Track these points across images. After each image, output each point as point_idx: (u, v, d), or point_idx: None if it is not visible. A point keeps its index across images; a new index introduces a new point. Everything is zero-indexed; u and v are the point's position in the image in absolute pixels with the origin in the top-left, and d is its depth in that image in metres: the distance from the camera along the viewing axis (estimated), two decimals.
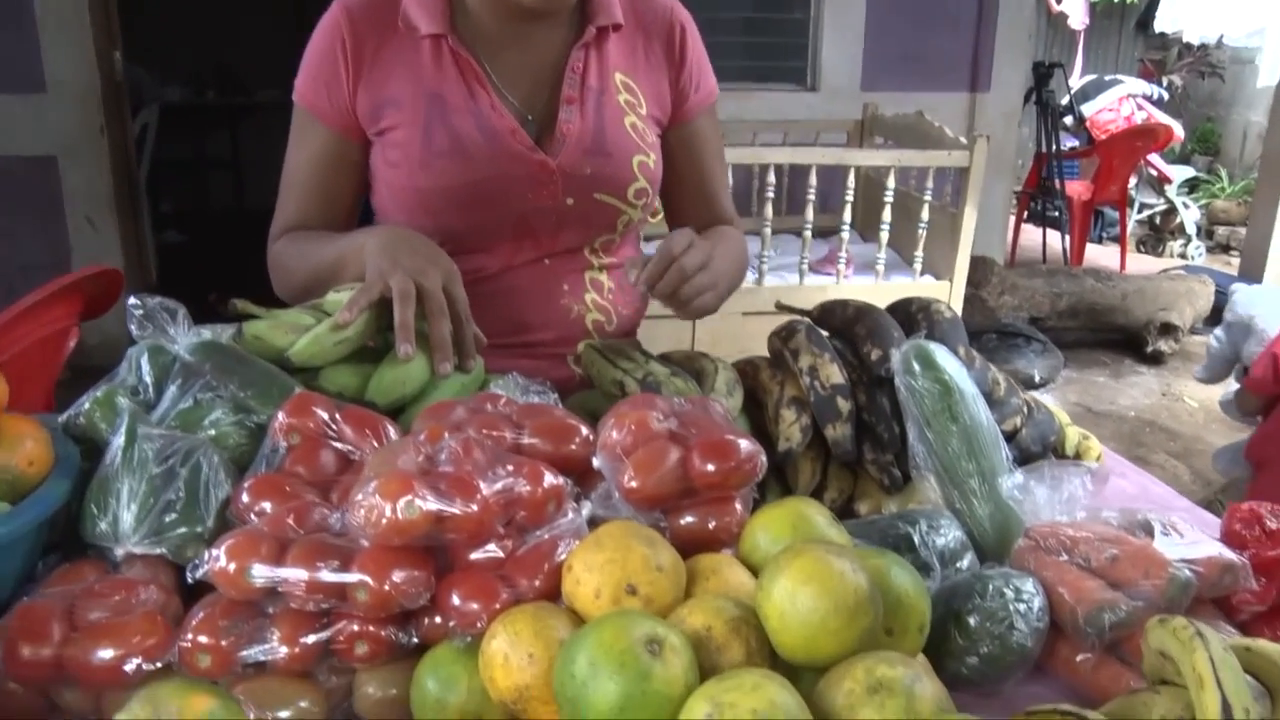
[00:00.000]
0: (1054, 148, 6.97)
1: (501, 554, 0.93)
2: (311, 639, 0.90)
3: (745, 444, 1.00)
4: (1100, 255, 7.54)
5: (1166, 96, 8.80)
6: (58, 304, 1.97)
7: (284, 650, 0.89)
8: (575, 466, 1.06)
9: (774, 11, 5.46)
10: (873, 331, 1.34)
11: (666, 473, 0.98)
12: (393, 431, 1.10)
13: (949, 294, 3.99)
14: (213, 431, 1.11)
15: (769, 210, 3.86)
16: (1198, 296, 5.70)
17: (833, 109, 5.20)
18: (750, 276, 4.02)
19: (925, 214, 3.93)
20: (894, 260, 4.17)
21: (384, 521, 0.87)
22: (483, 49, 1.44)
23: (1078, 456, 1.48)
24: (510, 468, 0.95)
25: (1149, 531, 1.07)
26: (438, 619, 0.91)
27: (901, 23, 5.36)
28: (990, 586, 1.01)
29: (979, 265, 5.15)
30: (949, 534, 1.12)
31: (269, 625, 0.90)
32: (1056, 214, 7.01)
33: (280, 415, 1.08)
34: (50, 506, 1.02)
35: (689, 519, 1.00)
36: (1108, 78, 8.40)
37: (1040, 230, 7.21)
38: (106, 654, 0.89)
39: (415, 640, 0.93)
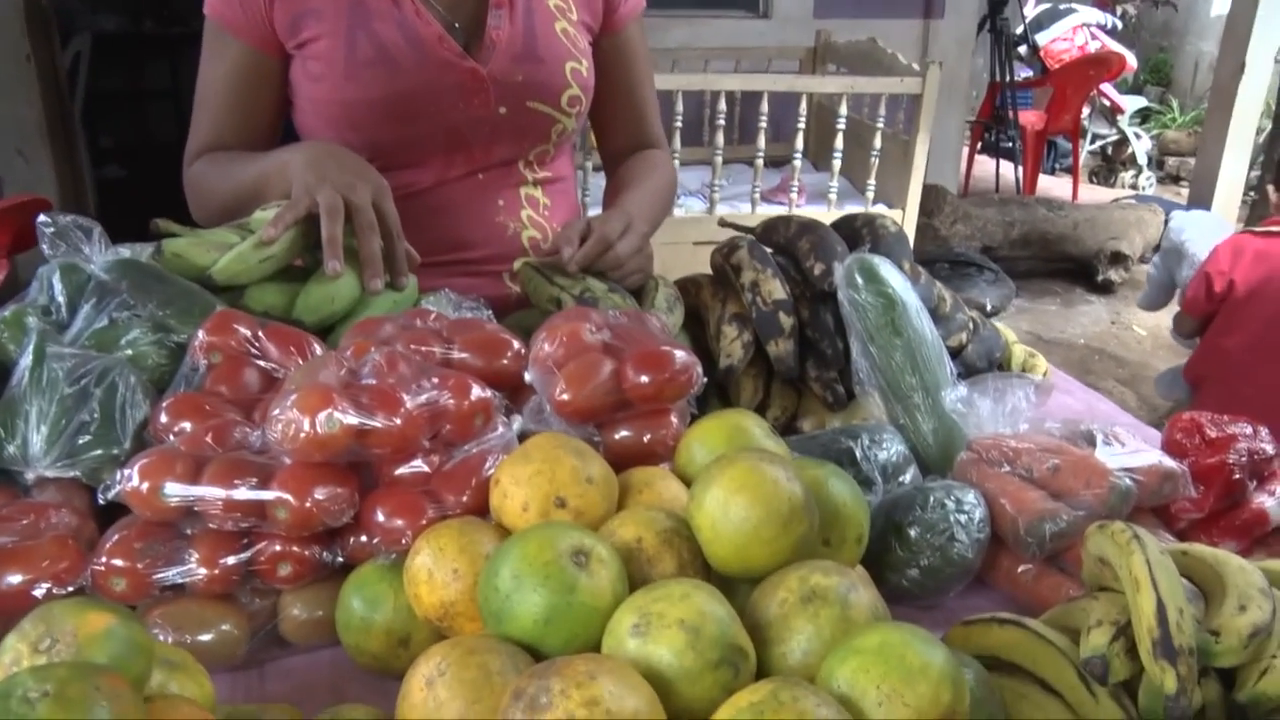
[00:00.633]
0: (1008, 77, 6.93)
1: (427, 469, 0.90)
2: (231, 560, 0.87)
3: (680, 355, 0.97)
4: (1053, 186, 7.55)
5: (1120, 26, 8.77)
6: None
7: (203, 572, 0.86)
8: (507, 381, 1.03)
9: None
10: (816, 246, 1.31)
11: (599, 385, 0.95)
12: (319, 349, 1.06)
13: (901, 222, 3.98)
14: (130, 351, 1.06)
15: (720, 139, 3.80)
16: (1148, 226, 5.73)
17: (785, 36, 5.12)
18: (701, 205, 3.98)
19: (878, 142, 3.89)
20: (846, 189, 4.14)
21: (302, 436, 0.84)
22: None
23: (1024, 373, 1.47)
24: (435, 380, 0.91)
25: (1091, 442, 1.06)
26: (363, 537, 0.88)
27: None
28: (931, 498, 0.99)
29: (932, 194, 5.13)
30: (891, 448, 1.10)
31: (187, 547, 0.87)
32: (1010, 144, 6.99)
33: (200, 333, 1.03)
34: None
35: (623, 433, 0.97)
36: (1062, 6, 8.34)
37: (994, 161, 7.20)
38: (14, 579, 0.85)
39: (341, 560, 0.90)
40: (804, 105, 3.86)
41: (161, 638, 0.84)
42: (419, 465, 0.90)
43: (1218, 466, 1.04)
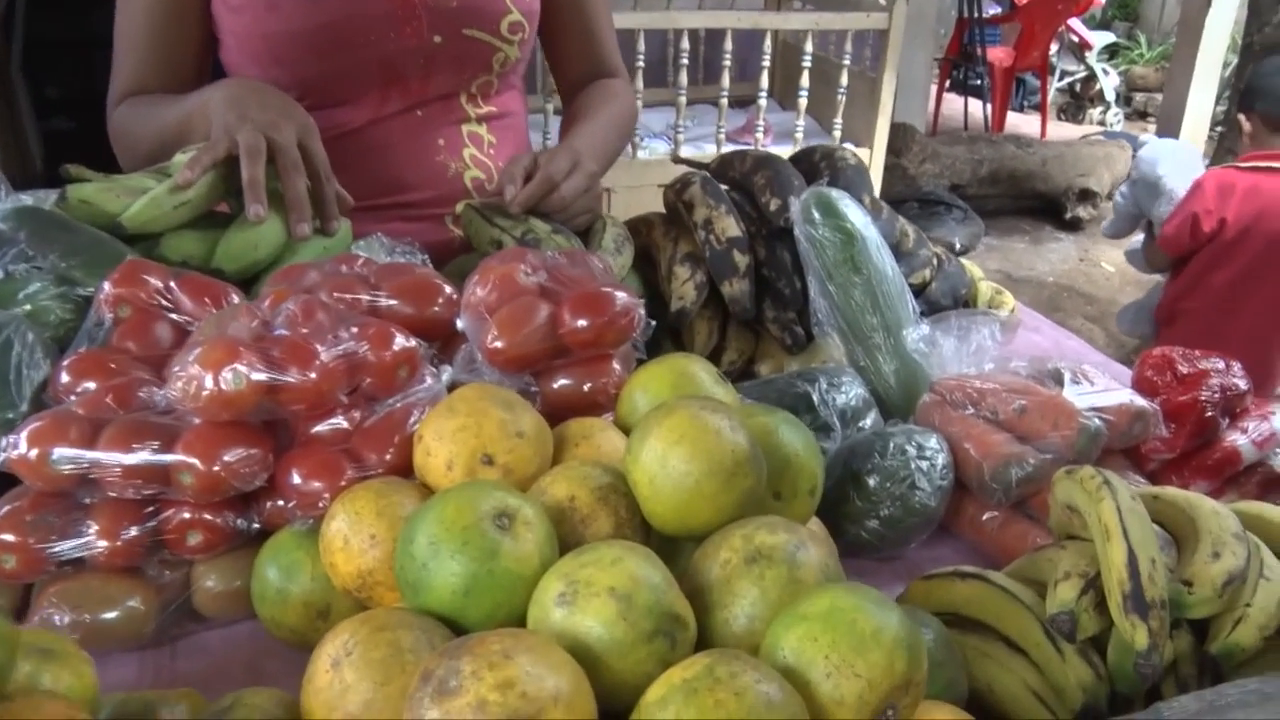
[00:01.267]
0: (976, 13, 6.83)
1: (348, 426, 0.83)
2: (135, 531, 0.80)
3: (621, 297, 0.90)
4: (1021, 123, 7.47)
5: None
6: None
7: (103, 544, 0.79)
8: (440, 330, 0.96)
9: None
10: (772, 181, 1.24)
11: (534, 331, 0.88)
12: (237, 301, 0.99)
13: (869, 161, 3.90)
14: (28, 306, 0.98)
15: (684, 79, 3.70)
16: (1116, 162, 5.68)
17: None
18: (665, 147, 3.88)
19: (844, 79, 3.81)
20: (813, 128, 4.06)
21: (205, 394, 0.77)
22: None
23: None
24: (355, 330, 0.84)
25: (1059, 381, 1.01)
26: (280, 502, 0.82)
27: None
28: (891, 444, 0.93)
29: (900, 133, 5.05)
30: (851, 391, 1.04)
31: (85, 518, 0.80)
32: (978, 82, 6.91)
33: (106, 285, 0.95)
34: None
35: (562, 382, 0.91)
36: None
37: (962, 99, 7.12)
38: None
39: (257, 526, 0.83)
40: (769, 43, 3.76)
41: (57, 618, 0.77)
42: (339, 422, 0.83)
43: (1190, 404, 0.99)
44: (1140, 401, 0.98)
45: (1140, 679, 0.65)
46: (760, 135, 3.83)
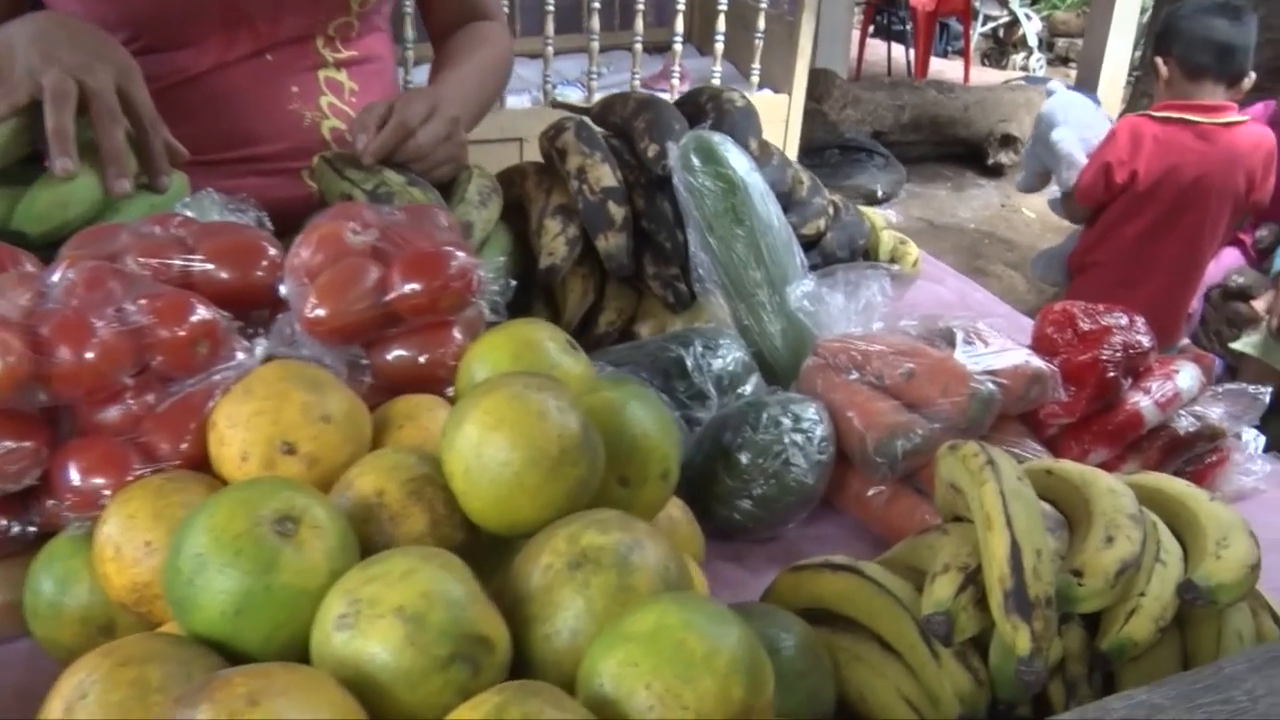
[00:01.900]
0: None
1: (139, 412, 0.72)
2: None
3: (459, 256, 0.80)
4: (945, 69, 7.42)
5: None
6: None
7: None
8: (264, 297, 0.85)
9: None
10: (652, 125, 1.14)
11: (359, 296, 0.78)
12: (30, 270, 0.86)
13: (788, 107, 3.81)
14: None
15: (596, 23, 3.56)
16: (1037, 107, 5.64)
17: None
18: (579, 95, 3.75)
19: (761, 23, 3.70)
20: (731, 74, 3.94)
21: None
22: None
23: (892, 263, 1.34)
24: (143, 302, 0.73)
25: (950, 341, 0.93)
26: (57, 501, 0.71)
27: None
28: (764, 416, 0.85)
29: (820, 78, 4.96)
30: (729, 355, 0.96)
31: None
32: (901, 27, 6.85)
33: None
34: None
35: (397, 353, 0.81)
36: None
37: (885, 44, 7.05)
38: None
39: (34, 530, 0.72)
40: None
41: None
42: (128, 407, 0.72)
43: (1090, 364, 0.92)
44: (1037, 363, 0.90)
45: (1023, 687, 0.57)
46: (676, 81, 3.71)
